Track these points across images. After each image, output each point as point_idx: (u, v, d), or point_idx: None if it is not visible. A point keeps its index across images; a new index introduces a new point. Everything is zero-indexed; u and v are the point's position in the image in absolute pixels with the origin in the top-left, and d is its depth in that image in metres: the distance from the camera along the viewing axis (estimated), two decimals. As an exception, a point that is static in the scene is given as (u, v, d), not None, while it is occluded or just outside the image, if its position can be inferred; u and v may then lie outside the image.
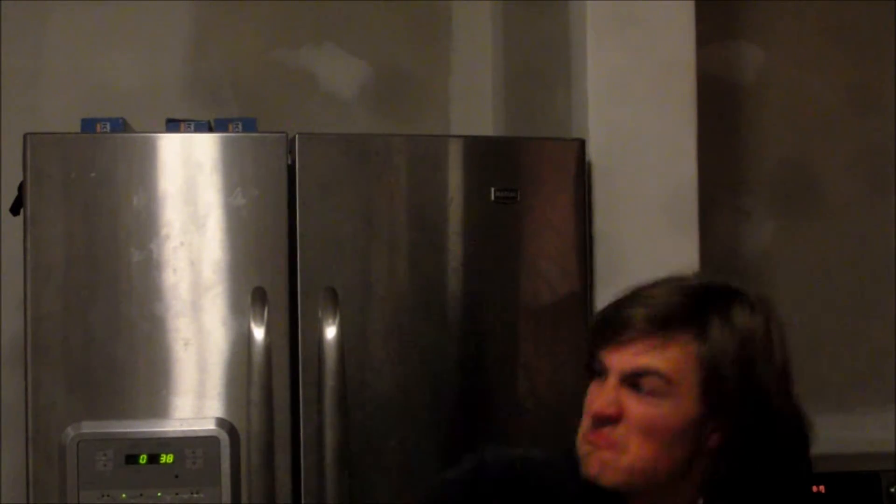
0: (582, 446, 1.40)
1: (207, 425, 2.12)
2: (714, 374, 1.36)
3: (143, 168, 2.15)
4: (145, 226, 2.14)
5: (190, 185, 2.15)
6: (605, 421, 1.37)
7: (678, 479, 1.39)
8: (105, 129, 2.32)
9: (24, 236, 2.12)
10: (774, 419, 1.39)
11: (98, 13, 2.89)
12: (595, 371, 1.41)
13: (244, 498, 2.12)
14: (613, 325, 1.40)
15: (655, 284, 1.43)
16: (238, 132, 2.36)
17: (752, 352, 1.38)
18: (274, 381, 2.13)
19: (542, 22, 2.70)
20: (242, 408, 2.12)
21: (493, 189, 2.26)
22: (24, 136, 2.14)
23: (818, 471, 2.81)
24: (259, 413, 2.11)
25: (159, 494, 2.09)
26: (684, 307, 1.39)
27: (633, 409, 1.36)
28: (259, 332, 2.12)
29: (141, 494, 2.09)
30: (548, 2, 2.64)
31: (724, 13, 3.10)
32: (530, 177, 2.31)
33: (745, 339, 1.38)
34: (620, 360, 1.38)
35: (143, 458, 2.10)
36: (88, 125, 2.34)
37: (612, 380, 1.38)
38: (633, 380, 1.37)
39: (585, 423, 1.40)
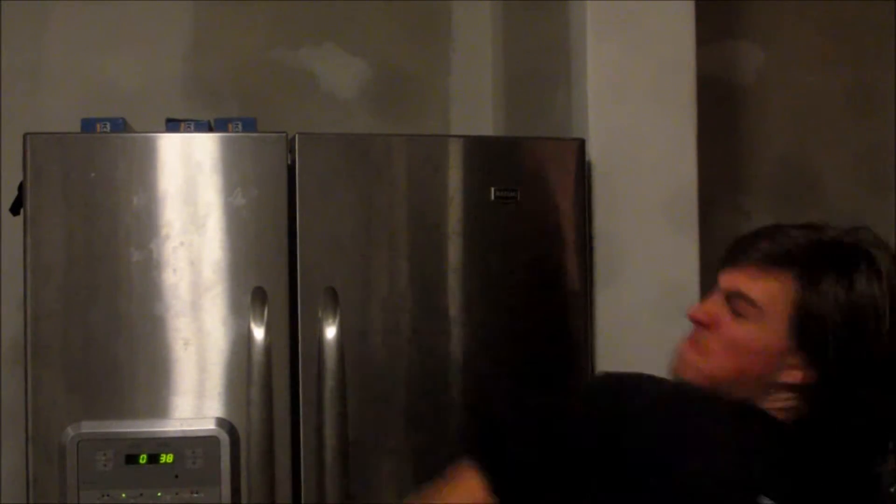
0: (678, 346, 1.53)
1: (207, 425, 2.12)
2: (810, 320, 1.42)
3: (143, 168, 2.15)
4: (145, 226, 2.14)
5: (190, 185, 2.15)
6: (699, 325, 1.50)
7: (755, 398, 1.47)
8: (105, 129, 2.32)
9: (24, 236, 2.12)
10: (869, 389, 1.43)
11: (98, 13, 2.89)
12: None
13: (244, 498, 2.12)
14: (737, 250, 1.53)
15: (795, 226, 1.53)
16: (238, 132, 2.36)
17: (863, 317, 1.42)
18: (274, 381, 2.13)
19: (542, 22, 2.70)
20: (242, 408, 2.12)
21: (493, 189, 2.26)
22: (24, 136, 2.14)
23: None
24: (259, 413, 2.11)
25: (159, 494, 2.09)
26: (803, 254, 1.47)
27: (724, 324, 1.48)
28: (259, 332, 2.12)
29: (141, 494, 2.09)
30: (548, 2, 2.64)
31: (724, 13, 3.10)
32: (530, 177, 2.31)
33: (859, 303, 1.42)
34: (727, 280, 1.50)
35: (143, 458, 2.10)
36: (88, 125, 2.34)
37: (717, 295, 1.51)
38: (731, 300, 1.48)
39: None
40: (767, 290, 1.46)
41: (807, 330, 1.43)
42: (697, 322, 1.52)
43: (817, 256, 1.46)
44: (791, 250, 1.48)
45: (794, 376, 1.45)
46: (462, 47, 3.08)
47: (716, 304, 1.51)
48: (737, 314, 1.48)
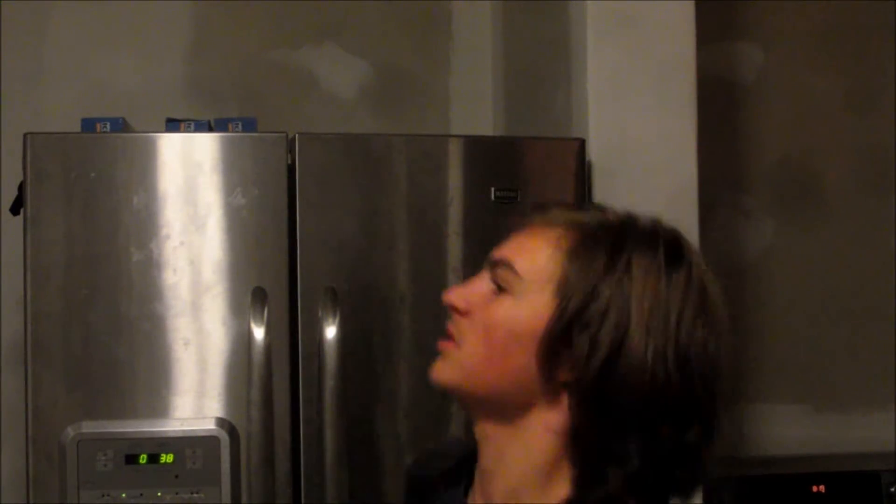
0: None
1: (207, 425, 2.12)
2: (573, 278, 1.17)
3: (143, 168, 2.15)
4: (145, 226, 2.14)
5: (190, 185, 2.15)
6: (455, 311, 1.25)
7: (523, 408, 1.20)
8: (105, 129, 2.32)
9: (24, 236, 2.12)
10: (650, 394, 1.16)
11: (98, 13, 2.89)
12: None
13: (244, 498, 2.12)
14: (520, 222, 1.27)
15: (572, 207, 1.31)
16: (238, 132, 2.36)
17: (660, 304, 1.17)
18: (274, 381, 2.13)
19: (542, 22, 2.70)
20: (242, 408, 2.12)
21: (493, 189, 2.26)
22: (25, 136, 2.14)
23: (818, 471, 2.82)
24: (259, 413, 2.11)
25: (159, 494, 2.09)
26: (574, 219, 1.23)
27: (480, 304, 1.23)
28: (259, 332, 2.12)
29: (141, 494, 2.09)
30: (548, 2, 2.64)
31: (724, 13, 3.10)
32: (530, 177, 2.31)
33: (635, 282, 1.17)
34: (494, 251, 1.25)
35: (143, 458, 2.10)
36: (88, 125, 2.34)
37: (481, 273, 1.25)
38: (495, 270, 1.23)
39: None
40: (534, 255, 1.21)
41: (581, 314, 1.16)
42: (452, 308, 1.25)
43: (595, 226, 1.21)
44: (561, 217, 1.23)
45: (565, 375, 1.17)
46: (462, 47, 3.08)
47: (478, 284, 1.25)
48: (499, 288, 1.22)
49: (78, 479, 2.07)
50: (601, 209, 1.27)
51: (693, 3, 2.43)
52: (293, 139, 2.20)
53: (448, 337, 1.25)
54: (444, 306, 1.27)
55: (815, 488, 2.81)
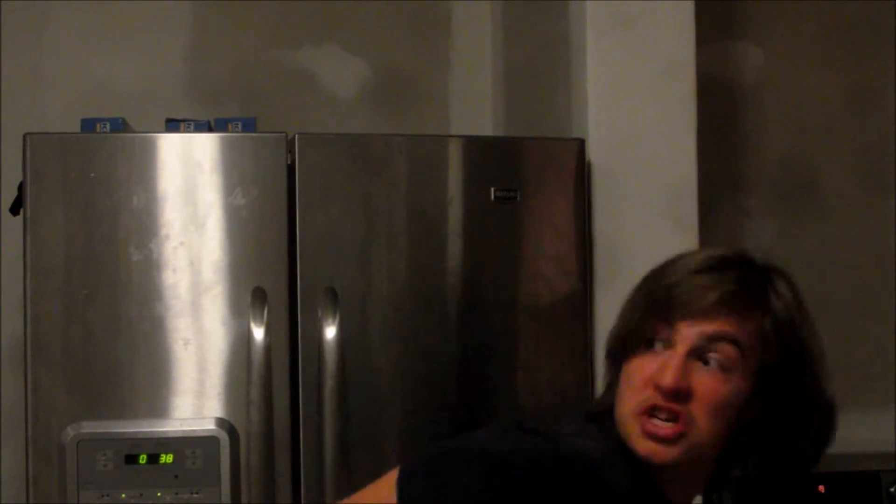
0: (631, 419, 1.29)
1: (207, 425, 2.12)
2: (771, 348, 1.30)
3: (143, 168, 2.15)
4: (145, 226, 2.14)
5: (190, 185, 2.15)
6: (677, 395, 1.26)
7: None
8: (105, 129, 2.32)
9: (24, 236, 2.12)
10: (811, 400, 1.35)
11: (98, 13, 2.89)
12: (652, 342, 1.30)
13: (244, 498, 2.12)
14: (689, 296, 1.29)
15: (714, 256, 1.35)
16: (238, 132, 2.36)
17: (800, 324, 1.35)
18: (274, 381, 2.13)
19: (542, 22, 2.70)
20: (242, 408, 2.12)
21: (493, 189, 2.26)
22: (24, 136, 2.14)
23: (818, 471, 2.81)
24: (259, 413, 2.11)
25: (159, 494, 2.09)
26: (751, 282, 1.31)
27: (703, 384, 1.27)
28: (259, 332, 2.12)
29: (141, 494, 2.09)
30: (548, 1, 2.64)
31: (724, 13, 3.10)
32: (530, 177, 2.31)
33: (793, 313, 1.33)
34: (693, 330, 1.28)
35: (142, 458, 2.10)
36: (88, 125, 2.34)
37: (680, 350, 1.27)
38: (703, 351, 1.28)
39: (644, 397, 1.28)
40: (748, 331, 1.29)
41: (768, 360, 1.30)
42: (677, 392, 1.26)
43: (758, 283, 1.32)
44: (743, 286, 1.31)
45: (749, 416, 1.31)
46: (462, 47, 3.07)
47: (681, 363, 1.27)
48: (713, 367, 1.27)
49: (78, 479, 2.07)
50: (740, 256, 1.36)
51: (693, 3, 2.43)
52: (293, 139, 2.20)
53: (666, 419, 1.28)
54: (664, 389, 1.28)
55: (815, 488, 2.81)
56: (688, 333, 1.28)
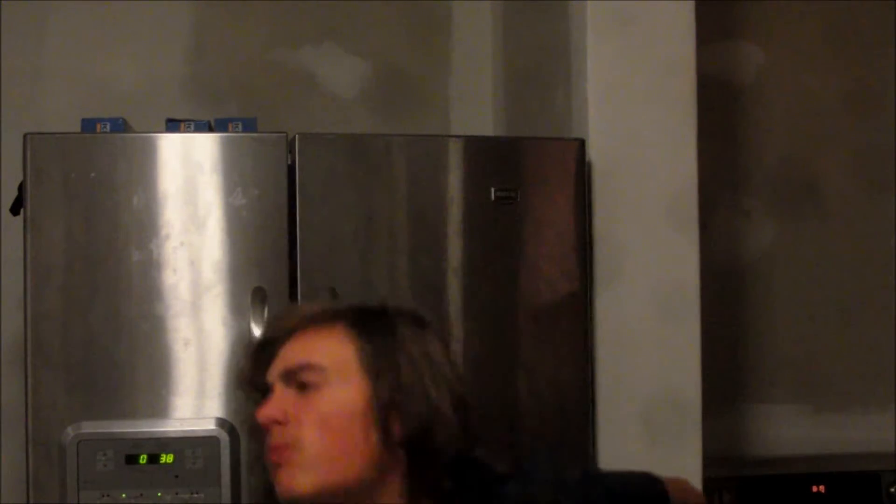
0: (269, 467, 1.35)
1: (207, 425, 2.12)
2: (372, 358, 1.35)
3: (143, 168, 2.15)
4: (145, 226, 2.14)
5: (190, 185, 2.15)
6: (275, 424, 1.34)
7: (376, 479, 1.35)
8: (105, 129, 2.32)
9: (24, 236, 2.12)
10: (435, 423, 1.37)
11: (98, 13, 2.89)
12: (262, 394, 1.39)
13: (244, 498, 2.12)
14: (268, 341, 1.40)
15: (304, 303, 1.46)
16: (238, 132, 2.36)
17: (411, 352, 1.38)
18: (274, 381, 2.13)
19: (542, 22, 2.70)
20: (243, 408, 2.12)
21: (493, 189, 2.26)
22: (24, 136, 2.14)
23: (818, 471, 2.81)
24: (259, 413, 2.11)
25: (159, 494, 2.09)
26: (337, 310, 1.40)
27: (297, 407, 1.34)
28: (259, 332, 2.12)
29: (141, 494, 2.09)
30: (548, 2, 2.64)
31: (724, 13, 3.10)
32: (530, 177, 2.31)
33: (404, 341, 1.38)
34: (276, 365, 1.37)
35: (143, 458, 2.09)
36: (88, 125, 2.34)
37: (277, 386, 1.36)
38: (291, 379, 1.36)
39: (263, 440, 1.36)
40: (326, 348, 1.36)
41: (382, 377, 1.34)
42: (272, 421, 1.34)
43: (352, 310, 1.40)
44: (324, 309, 1.40)
45: (397, 431, 1.34)
46: (462, 47, 3.08)
47: (277, 397, 1.35)
48: (306, 390, 1.34)
49: (78, 479, 2.07)
50: (329, 299, 1.49)
51: (693, 3, 2.43)
52: (293, 139, 2.20)
53: (280, 455, 1.33)
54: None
55: (815, 488, 2.81)
56: (273, 371, 1.37)
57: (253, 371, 1.41)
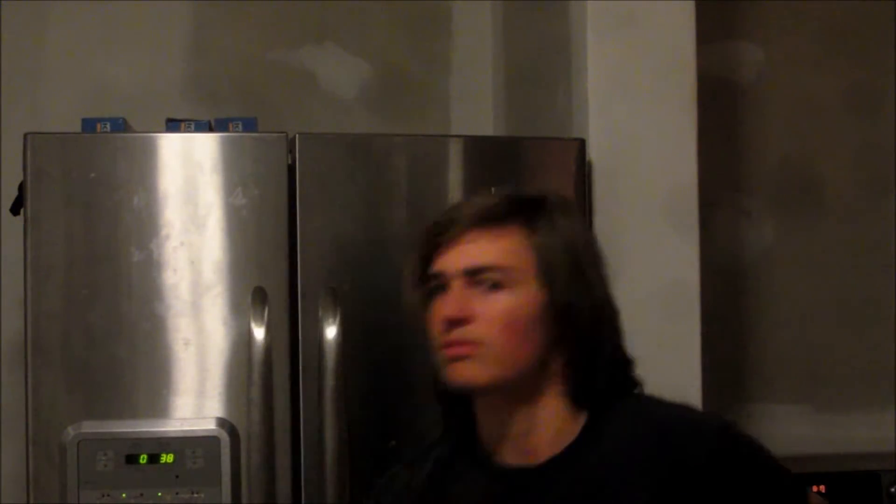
0: (439, 357, 1.43)
1: (207, 425, 2.12)
2: (548, 262, 1.42)
3: (143, 168, 2.15)
4: (145, 226, 2.14)
5: (190, 185, 2.15)
6: (458, 323, 1.40)
7: (539, 371, 1.43)
8: (105, 129, 2.32)
9: (24, 236, 2.12)
10: (602, 316, 1.46)
11: (98, 13, 2.89)
12: (434, 287, 1.44)
13: (244, 498, 2.12)
14: (442, 232, 1.43)
15: (474, 196, 1.49)
16: (238, 132, 2.36)
17: (577, 248, 1.46)
18: (274, 381, 2.13)
19: (542, 22, 2.70)
20: (242, 408, 2.12)
21: (493, 189, 2.26)
22: (25, 136, 2.14)
23: (818, 471, 2.81)
24: (259, 413, 2.11)
25: (159, 494, 2.09)
26: (509, 206, 1.45)
27: (481, 305, 1.40)
28: (259, 332, 2.12)
29: (141, 494, 2.09)
30: (548, 2, 2.64)
31: (724, 13, 3.10)
32: (530, 177, 2.31)
33: (570, 237, 1.45)
34: (456, 261, 1.42)
35: (143, 458, 2.10)
36: (88, 125, 2.34)
37: (456, 283, 1.41)
38: (473, 278, 1.41)
39: (437, 332, 1.43)
40: (504, 249, 1.42)
41: (551, 273, 1.41)
42: (455, 321, 1.40)
43: (519, 206, 1.45)
44: (497, 208, 1.45)
45: (570, 332, 1.42)
46: (462, 47, 3.08)
47: (459, 293, 1.41)
48: (488, 288, 1.41)
49: (78, 479, 2.07)
50: (495, 193, 1.48)
51: (693, 2, 2.43)
52: (293, 139, 2.20)
53: (460, 349, 1.41)
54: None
55: (815, 488, 2.81)
56: (451, 265, 1.42)
57: (422, 264, 1.45)
